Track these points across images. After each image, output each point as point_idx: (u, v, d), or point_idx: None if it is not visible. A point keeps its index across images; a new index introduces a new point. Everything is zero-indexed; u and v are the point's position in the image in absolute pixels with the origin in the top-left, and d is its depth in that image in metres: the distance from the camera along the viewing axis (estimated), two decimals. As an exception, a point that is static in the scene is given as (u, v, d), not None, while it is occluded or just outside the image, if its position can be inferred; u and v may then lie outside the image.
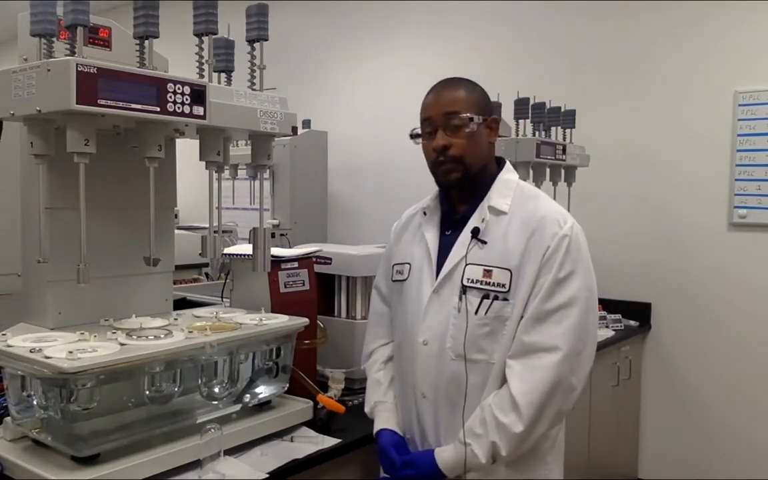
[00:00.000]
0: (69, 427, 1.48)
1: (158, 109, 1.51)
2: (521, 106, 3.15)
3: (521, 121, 3.16)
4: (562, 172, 3.36)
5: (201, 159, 1.74)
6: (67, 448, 1.51)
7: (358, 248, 2.47)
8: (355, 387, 2.20)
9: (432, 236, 1.73)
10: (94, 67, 1.40)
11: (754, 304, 3.45)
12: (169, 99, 1.52)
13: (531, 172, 3.12)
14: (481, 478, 1.58)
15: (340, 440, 1.86)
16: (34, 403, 1.54)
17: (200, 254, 1.81)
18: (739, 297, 3.50)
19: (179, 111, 1.55)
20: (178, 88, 1.54)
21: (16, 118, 1.51)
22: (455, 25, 4.46)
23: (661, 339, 3.76)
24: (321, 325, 2.23)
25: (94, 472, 1.46)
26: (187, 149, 1.94)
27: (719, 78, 3.53)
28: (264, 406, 1.93)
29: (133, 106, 1.47)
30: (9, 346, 1.52)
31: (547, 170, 3.26)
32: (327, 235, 4.54)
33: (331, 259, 2.38)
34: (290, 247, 2.50)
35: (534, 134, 3.18)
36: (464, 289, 1.61)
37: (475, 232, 1.63)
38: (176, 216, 3.88)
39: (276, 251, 2.17)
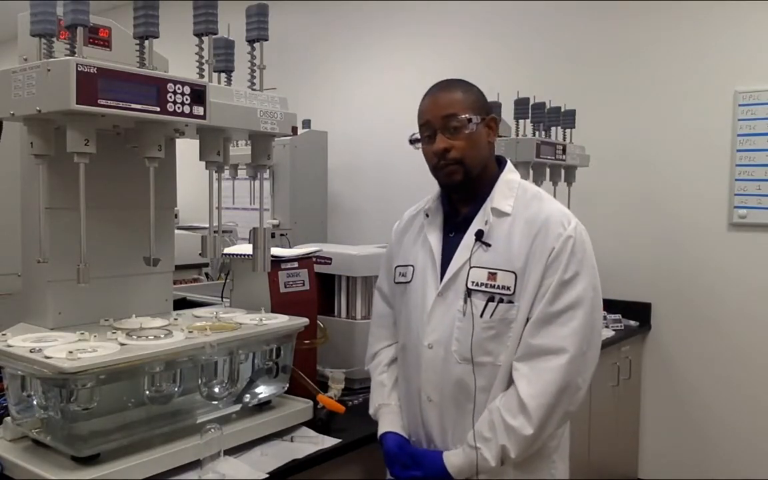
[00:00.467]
0: (69, 427, 1.48)
1: (158, 109, 1.51)
2: (521, 106, 3.15)
3: (521, 121, 3.16)
4: (562, 172, 3.36)
5: (201, 159, 1.74)
6: (67, 448, 1.51)
7: (358, 248, 2.47)
8: (355, 387, 2.20)
9: (435, 239, 1.72)
10: (94, 67, 1.40)
11: (754, 304, 3.45)
12: (169, 99, 1.52)
13: (531, 172, 3.12)
14: (490, 478, 1.58)
15: (340, 440, 1.86)
16: (34, 403, 1.54)
17: (200, 254, 1.81)
18: (739, 297, 3.50)
19: (179, 111, 1.55)
20: (178, 88, 1.54)
21: (16, 118, 1.51)
22: (455, 25, 4.46)
23: (661, 339, 3.76)
24: (321, 325, 2.23)
25: (94, 472, 1.46)
26: (187, 149, 1.94)
27: (719, 78, 3.53)
28: (264, 406, 1.93)
29: (133, 106, 1.47)
30: (9, 346, 1.52)
31: (547, 170, 3.26)
32: (327, 235, 4.54)
33: (331, 259, 2.38)
34: (290, 247, 2.50)
35: (534, 134, 3.18)
36: (469, 293, 1.60)
37: (479, 234, 1.63)
38: (176, 216, 3.89)
39: (276, 251, 2.17)
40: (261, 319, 1.90)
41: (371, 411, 1.81)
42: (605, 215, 3.79)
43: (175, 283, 2.37)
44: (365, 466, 1.95)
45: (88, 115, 1.44)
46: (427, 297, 1.68)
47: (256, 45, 1.83)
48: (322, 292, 2.35)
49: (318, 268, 2.31)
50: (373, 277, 2.03)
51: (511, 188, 1.69)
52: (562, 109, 3.32)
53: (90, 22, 1.51)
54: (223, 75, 1.80)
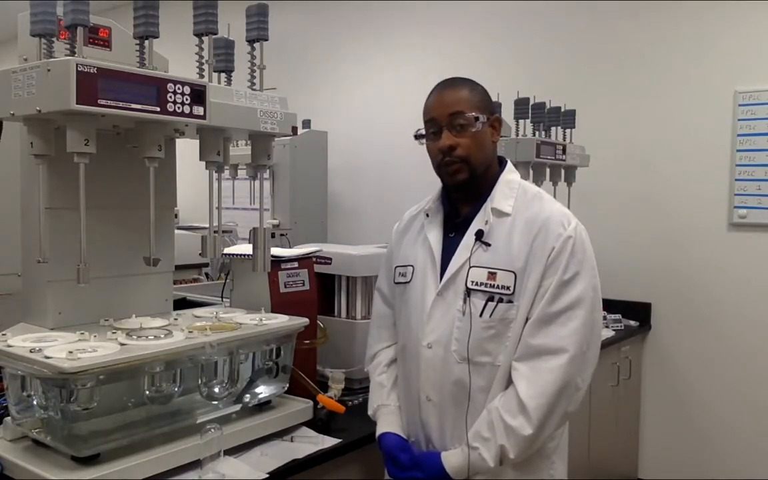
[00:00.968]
0: (69, 427, 1.48)
1: (158, 109, 1.51)
2: (521, 106, 3.15)
3: (521, 121, 3.16)
4: (562, 172, 3.36)
5: (201, 159, 1.74)
6: (67, 448, 1.51)
7: (358, 248, 2.47)
8: (355, 387, 2.20)
9: (435, 238, 1.72)
10: (94, 67, 1.40)
11: (754, 304, 3.45)
12: (169, 99, 1.53)
13: (531, 172, 3.12)
14: (489, 479, 1.58)
15: (340, 440, 1.86)
16: (34, 403, 1.54)
17: (200, 254, 1.81)
18: (739, 297, 3.50)
19: (179, 111, 1.55)
20: (178, 88, 1.54)
21: (16, 118, 1.51)
22: (455, 25, 4.46)
23: (661, 339, 3.76)
24: (321, 325, 2.23)
25: (94, 472, 1.46)
26: (187, 149, 1.94)
27: (719, 78, 3.53)
28: (264, 406, 1.93)
29: (133, 106, 1.47)
30: (9, 346, 1.52)
31: (547, 170, 3.27)
32: (327, 235, 4.54)
33: (331, 259, 2.38)
34: (290, 247, 2.50)
35: (534, 134, 3.18)
36: (468, 292, 1.60)
37: (479, 234, 1.63)
38: (176, 216, 3.89)
39: (276, 251, 2.17)
40: (261, 319, 1.90)
41: (370, 412, 1.81)
42: (605, 215, 3.79)
43: (175, 283, 2.38)
44: (365, 466, 1.95)
45: (88, 115, 1.44)
46: (426, 297, 1.68)
47: (256, 45, 1.83)
48: (322, 292, 2.35)
49: (318, 268, 2.31)
50: (373, 277, 2.03)
51: (511, 188, 1.69)
52: (562, 109, 3.32)
53: (90, 22, 1.51)
54: (223, 75, 1.80)
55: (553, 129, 3.33)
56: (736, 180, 3.50)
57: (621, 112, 3.84)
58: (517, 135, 3.16)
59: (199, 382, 1.76)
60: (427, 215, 1.78)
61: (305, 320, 1.96)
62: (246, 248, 2.13)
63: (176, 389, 1.67)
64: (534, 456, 1.61)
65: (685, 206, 3.65)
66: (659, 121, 3.73)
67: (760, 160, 3.43)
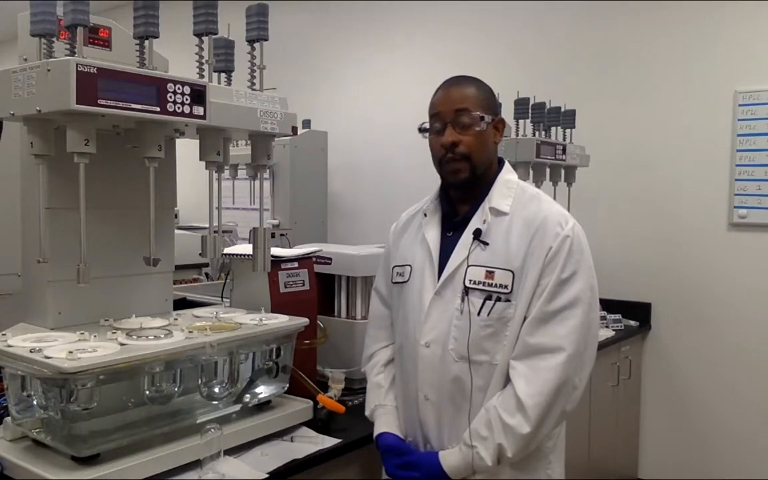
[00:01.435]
0: (69, 427, 1.48)
1: (158, 109, 1.51)
2: (521, 106, 3.15)
3: (521, 121, 3.16)
4: (562, 172, 3.36)
5: (201, 159, 1.74)
6: (67, 448, 1.51)
7: (358, 248, 2.47)
8: (355, 387, 2.20)
9: (433, 238, 1.72)
10: (94, 67, 1.40)
11: (754, 304, 3.45)
12: (169, 99, 1.53)
13: (531, 172, 3.12)
14: (486, 479, 1.58)
15: (340, 440, 1.86)
16: (34, 403, 1.54)
17: (200, 254, 1.81)
18: (739, 297, 3.49)
19: (179, 111, 1.55)
20: (178, 88, 1.54)
21: (16, 118, 1.51)
22: (455, 24, 4.46)
23: (661, 339, 3.76)
24: (321, 325, 2.23)
25: (94, 472, 1.46)
26: (187, 149, 1.94)
27: (719, 78, 3.53)
28: (264, 406, 1.93)
29: (133, 106, 1.47)
30: (9, 346, 1.52)
31: (547, 170, 3.27)
32: (327, 235, 4.54)
33: (331, 259, 2.38)
34: (290, 247, 2.50)
35: (534, 134, 3.18)
36: (466, 291, 1.60)
37: (477, 233, 1.63)
38: (176, 216, 3.88)
39: (276, 251, 2.17)
40: (261, 319, 1.90)
41: (367, 412, 1.81)
42: (605, 215, 3.79)
43: (175, 283, 2.37)
44: (365, 466, 1.95)
45: (88, 115, 1.44)
46: (424, 296, 1.68)
47: (256, 45, 1.83)
48: (322, 292, 2.35)
49: (318, 268, 2.31)
50: (373, 277, 2.03)
51: (509, 188, 1.70)
52: (562, 109, 3.32)
53: (90, 22, 1.51)
54: (223, 75, 1.80)
55: (553, 129, 3.33)
56: (736, 180, 3.50)
57: (621, 112, 3.84)
58: (517, 135, 3.16)
59: (199, 382, 1.76)
60: (425, 215, 1.78)
61: (305, 320, 1.96)
62: (246, 248, 2.13)
63: (176, 389, 1.67)
64: (531, 456, 1.61)
65: (685, 206, 3.65)
66: (659, 121, 3.73)
67: (760, 160, 3.43)
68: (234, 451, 1.71)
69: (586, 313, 1.57)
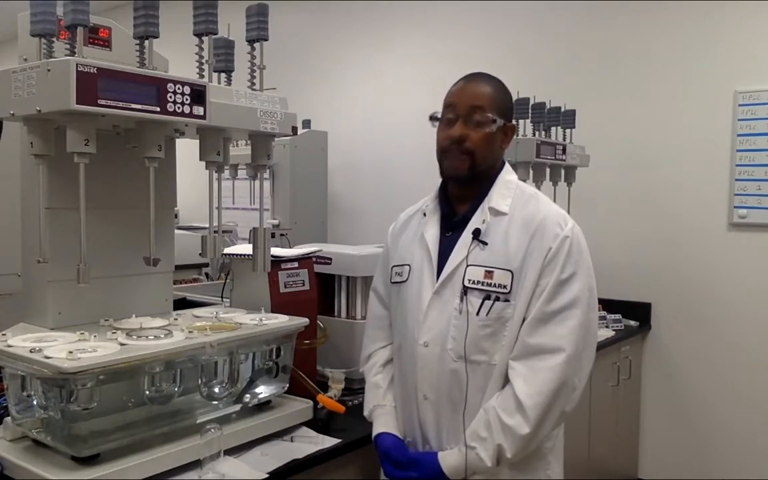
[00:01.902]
0: (69, 427, 1.48)
1: (158, 109, 1.51)
2: (521, 106, 3.14)
3: (521, 121, 3.16)
4: (562, 172, 3.36)
5: (201, 159, 1.74)
6: (67, 448, 1.51)
7: (358, 248, 2.46)
8: (355, 387, 2.20)
9: (432, 237, 1.72)
10: (94, 67, 1.40)
11: (754, 304, 3.45)
12: (169, 99, 1.53)
13: (531, 172, 3.12)
14: (486, 479, 1.58)
15: (340, 440, 1.86)
16: (34, 403, 1.54)
17: (200, 254, 1.81)
18: (739, 297, 3.49)
19: (179, 111, 1.55)
20: (178, 88, 1.54)
21: (16, 118, 1.51)
22: (455, 25, 4.46)
23: (661, 339, 3.76)
24: (321, 325, 2.23)
25: (94, 472, 1.46)
26: (187, 149, 1.94)
27: (719, 78, 3.52)
28: (264, 406, 1.93)
29: (133, 106, 1.47)
30: (9, 346, 1.52)
31: (547, 170, 3.26)
32: (327, 235, 4.54)
33: (331, 259, 2.38)
34: (290, 247, 2.50)
35: (534, 134, 3.18)
36: (465, 291, 1.60)
37: (476, 233, 1.63)
38: (176, 216, 3.88)
39: (276, 251, 2.17)
40: (261, 319, 1.90)
41: (366, 412, 1.81)
42: (605, 215, 3.79)
43: (175, 283, 2.37)
44: (365, 466, 1.95)
45: (88, 115, 1.44)
46: (423, 295, 1.68)
47: (256, 45, 1.83)
48: (322, 292, 2.35)
49: (318, 268, 2.31)
50: (373, 277, 2.03)
51: (508, 188, 1.70)
52: (562, 109, 3.32)
53: (90, 22, 1.51)
54: (223, 75, 1.80)
55: (553, 129, 3.33)
56: (736, 180, 3.49)
57: (621, 112, 3.84)
58: (517, 135, 3.16)
59: (199, 382, 1.76)
60: (425, 214, 1.78)
61: (305, 320, 1.96)
62: (246, 248, 2.13)
63: (176, 389, 1.67)
64: (530, 456, 1.61)
65: (685, 206, 3.65)
66: (659, 121, 3.73)
67: (760, 160, 3.43)
68: (234, 451, 1.71)
69: (585, 313, 1.57)
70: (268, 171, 2.14)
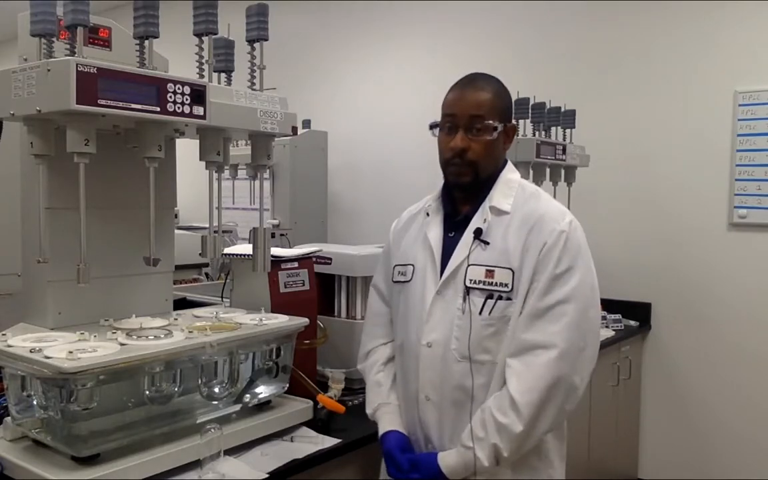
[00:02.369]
0: (69, 427, 1.48)
1: (158, 109, 1.51)
2: (521, 106, 3.14)
3: (521, 121, 3.16)
4: (562, 172, 3.36)
5: (201, 159, 1.74)
6: (67, 448, 1.51)
7: (358, 248, 2.46)
8: (355, 387, 2.20)
9: (435, 238, 1.72)
10: (94, 67, 1.40)
11: (754, 304, 3.45)
12: (169, 99, 1.53)
13: (531, 172, 3.12)
14: (487, 479, 1.58)
15: (340, 440, 1.86)
16: (34, 403, 1.54)
17: (200, 254, 1.81)
18: (739, 297, 3.49)
19: (179, 111, 1.55)
20: (178, 88, 1.54)
21: (16, 118, 1.51)
22: (455, 25, 4.46)
23: (661, 339, 3.76)
24: (321, 325, 2.23)
25: (94, 472, 1.46)
26: (187, 149, 1.94)
27: (719, 78, 3.53)
28: (264, 406, 1.92)
29: (133, 106, 1.47)
30: (9, 346, 1.52)
31: (547, 170, 3.27)
32: (327, 235, 4.54)
33: (331, 259, 2.38)
34: (290, 247, 2.50)
35: (534, 134, 3.18)
36: (467, 290, 1.60)
37: (478, 232, 1.63)
38: (176, 216, 3.88)
39: (276, 251, 2.17)
40: (261, 319, 1.90)
41: (369, 411, 1.79)
42: (605, 215, 3.79)
43: (175, 283, 2.37)
44: (365, 466, 1.95)
45: (88, 115, 1.44)
46: (426, 296, 1.68)
47: (256, 45, 1.83)
48: (322, 292, 2.35)
49: (318, 268, 2.31)
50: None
51: (510, 187, 1.70)
52: (562, 109, 3.32)
53: (90, 22, 1.51)
54: (223, 75, 1.80)
55: (553, 129, 3.33)
56: (736, 180, 3.49)
57: (621, 112, 3.84)
58: (517, 135, 3.16)
59: (199, 382, 1.76)
60: (428, 214, 1.78)
61: (305, 320, 1.96)
62: (246, 248, 2.13)
63: (176, 389, 1.67)
64: (533, 456, 1.61)
65: (685, 206, 3.65)
66: (659, 121, 3.73)
67: (760, 160, 3.43)
68: (234, 451, 1.71)
69: (582, 309, 1.56)
70: (268, 171, 2.14)
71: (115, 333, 1.64)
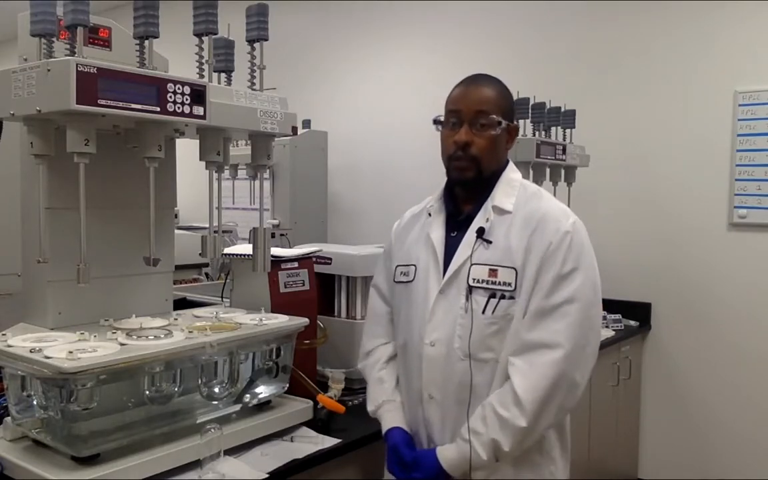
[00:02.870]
0: (69, 427, 1.48)
1: (158, 109, 1.51)
2: (521, 106, 3.14)
3: (521, 121, 3.15)
4: (562, 172, 3.36)
5: (201, 159, 1.74)
6: (67, 448, 1.51)
7: (358, 248, 2.47)
8: (355, 387, 2.20)
9: (438, 237, 1.73)
10: (94, 67, 1.40)
11: (754, 304, 3.45)
12: (169, 99, 1.53)
13: (531, 172, 3.12)
14: (488, 477, 1.58)
15: (340, 440, 1.86)
16: (34, 403, 1.54)
17: (200, 254, 1.81)
18: (739, 297, 3.49)
19: (179, 111, 1.55)
20: (178, 88, 1.54)
21: (16, 118, 1.51)
22: (455, 24, 4.46)
23: (661, 339, 3.76)
24: (321, 325, 2.23)
25: (94, 472, 1.47)
26: (187, 149, 1.94)
27: (719, 78, 3.52)
28: (264, 406, 1.93)
29: (133, 106, 1.47)
30: (9, 346, 1.52)
31: (547, 170, 3.27)
32: (327, 235, 4.54)
33: (331, 259, 2.38)
34: (290, 247, 2.50)
35: (534, 134, 3.18)
36: (470, 290, 1.61)
37: (480, 232, 1.64)
38: (176, 216, 3.89)
39: (276, 251, 2.17)
40: (261, 319, 1.90)
41: (371, 408, 1.79)
42: (605, 215, 3.79)
43: (175, 283, 2.37)
44: (365, 466, 1.95)
45: (88, 115, 1.44)
46: (429, 295, 1.68)
47: (256, 45, 1.83)
48: (322, 292, 2.35)
49: (318, 268, 2.31)
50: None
51: (512, 187, 1.71)
52: (562, 109, 3.32)
53: (90, 22, 1.51)
54: (223, 75, 1.80)
55: (553, 129, 3.33)
56: (736, 180, 3.49)
57: (621, 112, 3.84)
58: (517, 135, 3.15)
59: (199, 382, 1.76)
60: (430, 214, 1.78)
61: (305, 320, 1.96)
62: (246, 248, 2.13)
63: (176, 389, 1.67)
64: (535, 453, 1.61)
65: (685, 206, 3.65)
66: (659, 122, 3.73)
67: (760, 160, 3.43)
68: (234, 451, 1.71)
69: (586, 309, 1.57)
70: (268, 171, 2.14)
71: (115, 333, 1.64)
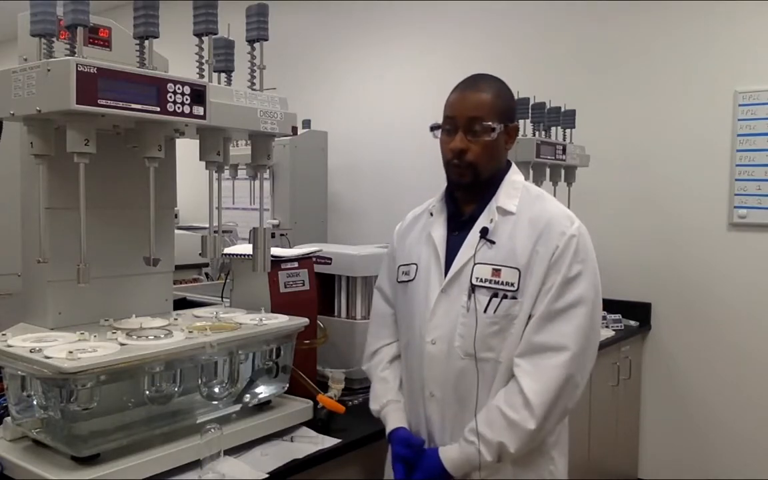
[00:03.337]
0: (69, 427, 1.48)
1: (158, 109, 1.51)
2: (521, 106, 3.14)
3: (521, 121, 3.15)
4: (562, 172, 3.36)
5: (201, 159, 1.74)
6: (67, 448, 1.51)
7: (358, 248, 2.47)
8: (355, 387, 2.20)
9: (439, 236, 1.73)
10: (94, 67, 1.40)
11: (754, 304, 3.45)
12: (169, 99, 1.53)
13: (531, 172, 3.12)
14: (489, 477, 1.58)
15: (340, 440, 1.86)
16: (34, 403, 1.54)
17: (200, 254, 1.81)
18: (739, 297, 3.49)
19: (179, 111, 1.55)
20: (178, 88, 1.54)
21: (16, 118, 1.51)
22: (455, 24, 4.46)
23: (661, 339, 3.76)
24: (321, 325, 2.23)
25: (94, 472, 1.47)
26: (187, 149, 1.94)
27: (719, 78, 3.53)
28: (264, 406, 1.93)
29: (133, 106, 1.47)
30: (9, 346, 1.52)
31: (547, 170, 3.27)
32: (327, 235, 4.54)
33: (331, 259, 2.38)
34: (290, 247, 2.50)
35: (534, 134, 3.18)
36: (473, 289, 1.61)
37: (484, 231, 1.64)
38: (176, 216, 3.89)
39: (276, 251, 2.17)
40: (261, 319, 1.90)
41: (376, 407, 1.79)
42: (605, 215, 3.79)
43: (175, 283, 2.37)
44: (365, 466, 1.95)
45: (88, 115, 1.44)
46: (430, 293, 1.68)
47: (256, 45, 1.83)
48: (322, 292, 2.35)
49: (318, 268, 2.31)
50: (373, 277, 2.03)
51: (515, 188, 1.71)
52: (562, 109, 3.32)
53: (90, 22, 1.51)
54: (223, 75, 1.80)
55: (553, 129, 3.33)
56: (736, 180, 3.49)
57: (621, 112, 3.84)
58: (517, 134, 3.15)
59: (199, 382, 1.76)
60: (431, 214, 1.79)
61: (305, 320, 1.96)
62: (246, 248, 2.13)
63: (176, 389, 1.67)
64: (534, 453, 1.62)
65: (685, 206, 3.65)
66: (659, 122, 3.73)
67: (760, 160, 3.43)
68: (234, 451, 1.71)
69: (590, 312, 1.58)
70: (268, 171, 2.14)
71: (115, 333, 1.64)
